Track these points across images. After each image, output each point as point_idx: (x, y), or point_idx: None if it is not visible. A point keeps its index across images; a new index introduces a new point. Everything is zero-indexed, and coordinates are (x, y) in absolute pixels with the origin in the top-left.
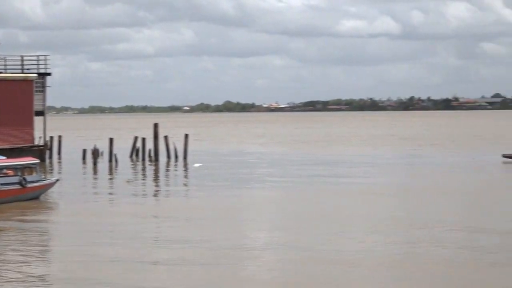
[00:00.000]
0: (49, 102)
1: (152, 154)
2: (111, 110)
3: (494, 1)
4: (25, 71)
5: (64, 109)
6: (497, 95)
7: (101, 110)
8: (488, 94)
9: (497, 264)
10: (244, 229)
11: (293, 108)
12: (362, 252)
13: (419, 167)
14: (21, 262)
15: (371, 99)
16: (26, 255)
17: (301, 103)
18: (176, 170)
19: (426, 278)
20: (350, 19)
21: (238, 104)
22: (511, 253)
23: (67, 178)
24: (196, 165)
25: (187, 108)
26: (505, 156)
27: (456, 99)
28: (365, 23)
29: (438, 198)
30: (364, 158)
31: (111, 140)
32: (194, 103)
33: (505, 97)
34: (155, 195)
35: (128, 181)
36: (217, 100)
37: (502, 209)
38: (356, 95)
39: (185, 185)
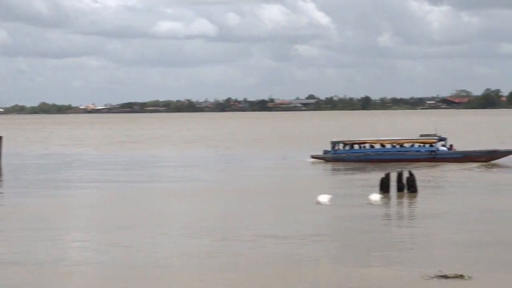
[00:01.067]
0: None
1: None
2: None
3: (307, 4)
4: None
5: None
6: (311, 97)
7: None
8: (303, 95)
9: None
10: (56, 241)
11: (110, 109)
12: (177, 262)
13: (232, 169)
14: None
15: (188, 100)
16: None
17: (118, 104)
18: None
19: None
20: (166, 21)
21: (54, 105)
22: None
23: None
24: None
25: (1, 110)
26: (313, 157)
27: (272, 100)
28: (182, 24)
29: (246, 201)
30: (180, 159)
31: None
32: (8, 104)
33: (318, 99)
34: None
35: None
36: (33, 101)
37: (301, 215)
38: (173, 97)
39: None
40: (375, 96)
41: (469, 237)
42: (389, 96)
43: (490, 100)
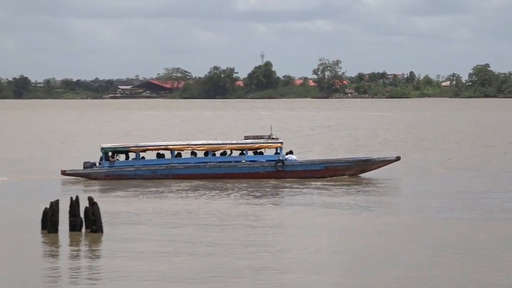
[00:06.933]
0: None
1: None
2: None
3: None
4: None
5: None
6: None
7: None
8: None
9: None
10: None
11: None
12: None
13: None
14: None
15: None
16: None
17: None
18: None
19: None
20: None
21: None
22: None
23: None
24: None
25: None
26: (66, 173)
27: None
28: None
29: None
30: None
31: None
32: None
33: None
34: None
35: None
36: None
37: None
38: None
39: None
40: (37, 77)
41: None
42: (59, 77)
43: (218, 85)
